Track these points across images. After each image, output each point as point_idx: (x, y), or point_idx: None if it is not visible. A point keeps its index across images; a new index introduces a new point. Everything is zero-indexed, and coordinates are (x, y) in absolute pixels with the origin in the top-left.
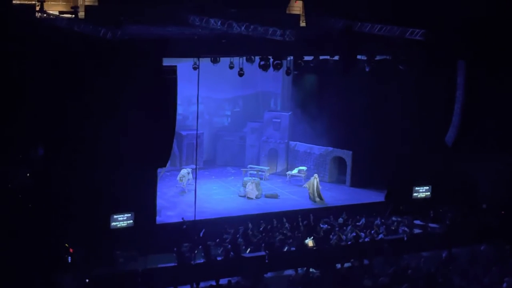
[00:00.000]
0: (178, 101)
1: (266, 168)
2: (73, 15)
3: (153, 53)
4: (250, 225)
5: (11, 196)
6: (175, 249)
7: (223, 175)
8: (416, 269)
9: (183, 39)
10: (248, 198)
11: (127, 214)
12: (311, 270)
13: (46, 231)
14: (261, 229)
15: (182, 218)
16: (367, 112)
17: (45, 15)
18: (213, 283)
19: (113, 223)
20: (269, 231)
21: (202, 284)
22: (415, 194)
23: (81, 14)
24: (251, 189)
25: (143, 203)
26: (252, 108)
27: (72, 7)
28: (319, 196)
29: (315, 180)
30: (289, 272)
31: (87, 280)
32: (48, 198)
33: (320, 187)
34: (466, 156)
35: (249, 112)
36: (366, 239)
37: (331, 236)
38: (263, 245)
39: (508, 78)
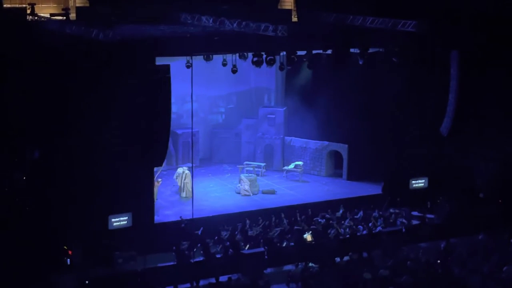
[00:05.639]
0: (172, 100)
1: (263, 164)
2: (65, 17)
3: (146, 52)
4: (248, 221)
5: (8, 199)
6: (174, 248)
7: (220, 172)
8: (415, 261)
9: (175, 38)
10: (244, 195)
11: (125, 214)
12: (310, 264)
13: (45, 234)
14: (259, 225)
15: (180, 217)
16: (362, 105)
17: (36, 18)
18: (213, 280)
19: (111, 224)
20: (267, 227)
21: (202, 282)
22: (412, 185)
23: (73, 15)
24: (246, 186)
25: (141, 203)
26: (246, 105)
27: (63, 9)
28: (187, 191)
29: (184, 173)
30: (289, 267)
31: (86, 282)
32: (45, 201)
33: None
34: (461, 145)
35: (243, 108)
36: (364, 232)
37: (329, 230)
38: (262, 241)
39: (501, 67)
